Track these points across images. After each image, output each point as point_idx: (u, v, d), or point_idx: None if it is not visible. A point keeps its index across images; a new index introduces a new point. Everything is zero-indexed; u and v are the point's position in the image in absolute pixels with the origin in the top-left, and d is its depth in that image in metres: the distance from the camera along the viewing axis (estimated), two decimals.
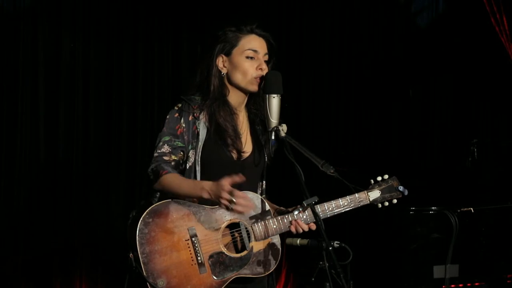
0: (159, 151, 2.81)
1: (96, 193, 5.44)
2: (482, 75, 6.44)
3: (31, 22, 5.27)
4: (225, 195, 2.62)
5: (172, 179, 2.75)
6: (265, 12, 6.03)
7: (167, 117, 2.88)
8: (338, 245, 2.59)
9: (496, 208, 4.49)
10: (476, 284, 4.39)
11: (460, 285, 4.34)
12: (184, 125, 2.83)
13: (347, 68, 6.39)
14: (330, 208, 2.88)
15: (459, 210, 4.32)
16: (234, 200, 2.62)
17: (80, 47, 5.40)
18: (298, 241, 2.74)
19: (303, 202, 2.66)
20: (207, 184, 2.69)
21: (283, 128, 2.74)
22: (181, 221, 2.74)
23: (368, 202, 2.96)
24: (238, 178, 2.66)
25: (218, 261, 2.77)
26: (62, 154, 5.35)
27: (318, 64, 6.30)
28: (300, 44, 6.24)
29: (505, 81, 6.26)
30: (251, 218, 2.83)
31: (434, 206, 4.35)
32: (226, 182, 2.63)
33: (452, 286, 4.30)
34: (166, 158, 2.80)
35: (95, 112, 5.45)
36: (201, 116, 2.84)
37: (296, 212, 2.85)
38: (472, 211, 4.36)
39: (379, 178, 2.99)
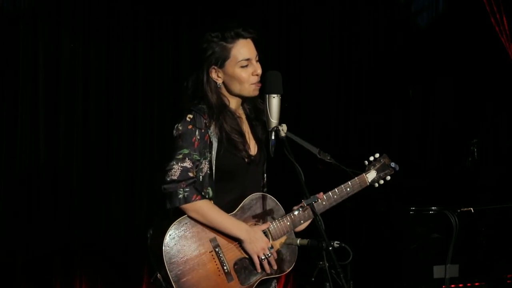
0: (182, 164, 2.74)
1: (96, 193, 5.44)
2: (482, 75, 6.44)
3: (31, 22, 5.27)
4: (262, 253, 2.77)
5: (209, 208, 2.76)
6: (265, 12, 6.03)
7: (180, 128, 2.78)
8: (338, 245, 2.59)
9: (496, 208, 4.49)
10: (476, 284, 4.40)
11: (460, 285, 4.34)
12: (198, 137, 2.78)
13: (347, 68, 6.39)
14: (335, 196, 2.92)
15: (459, 210, 4.32)
16: (267, 258, 2.78)
17: (80, 47, 5.40)
18: (298, 241, 2.74)
19: (303, 202, 2.67)
20: (252, 230, 2.78)
21: (283, 128, 2.73)
22: (202, 234, 2.76)
23: (368, 184, 3.00)
24: (268, 225, 2.85)
25: (243, 267, 2.79)
26: (62, 154, 5.35)
27: (318, 64, 6.30)
28: (300, 44, 6.23)
29: (505, 81, 6.26)
30: (265, 219, 2.85)
31: (434, 206, 4.35)
32: (268, 242, 2.80)
33: (452, 286, 4.30)
34: (191, 174, 2.76)
35: (95, 112, 5.45)
36: (211, 126, 2.81)
37: (296, 212, 2.86)
38: (472, 211, 4.36)
39: (371, 158, 3.03)
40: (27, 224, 5.23)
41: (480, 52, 6.35)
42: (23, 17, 5.24)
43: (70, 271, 5.33)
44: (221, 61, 2.82)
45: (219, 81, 2.85)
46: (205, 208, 2.74)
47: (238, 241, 2.79)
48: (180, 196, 2.72)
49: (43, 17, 5.30)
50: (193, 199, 2.73)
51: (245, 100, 2.94)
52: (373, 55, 6.42)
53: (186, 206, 2.73)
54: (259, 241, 2.77)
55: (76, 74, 5.40)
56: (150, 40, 5.62)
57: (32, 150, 5.28)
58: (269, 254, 2.78)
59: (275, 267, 2.82)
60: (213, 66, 2.83)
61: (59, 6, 5.34)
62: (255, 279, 2.81)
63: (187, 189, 2.73)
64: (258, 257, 2.78)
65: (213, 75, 2.85)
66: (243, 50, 2.82)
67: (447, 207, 4.32)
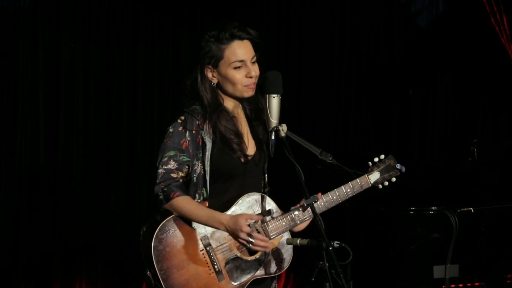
0: (166, 167, 2.76)
1: (96, 193, 5.44)
2: (482, 75, 6.44)
3: (31, 22, 5.27)
4: (244, 236, 2.69)
5: (185, 204, 2.74)
6: (264, 12, 6.03)
7: (171, 130, 2.80)
8: (338, 245, 2.59)
9: (496, 208, 4.49)
10: (476, 284, 4.39)
11: (460, 285, 4.34)
12: (189, 138, 2.78)
13: (347, 68, 6.39)
14: (335, 197, 2.90)
15: (459, 210, 4.31)
16: (252, 241, 2.69)
17: (80, 47, 5.40)
18: (298, 241, 2.74)
19: (304, 202, 2.67)
20: (225, 219, 2.73)
21: (283, 128, 2.73)
22: (193, 232, 2.76)
23: (370, 185, 2.98)
24: (256, 217, 2.76)
25: (235, 266, 2.79)
26: (62, 154, 5.35)
27: (318, 64, 6.30)
28: (300, 44, 6.24)
29: (505, 81, 6.26)
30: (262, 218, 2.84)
31: (434, 206, 4.35)
32: (244, 222, 2.69)
33: (452, 286, 4.29)
34: (173, 175, 2.76)
35: (95, 112, 5.45)
36: (205, 127, 2.80)
37: (296, 212, 2.86)
38: (472, 211, 4.35)
39: (376, 159, 3.00)
40: (27, 224, 5.23)
41: (480, 52, 6.35)
42: (23, 16, 5.24)
43: (70, 271, 5.34)
44: (215, 61, 2.80)
45: (214, 81, 2.84)
46: (182, 203, 2.73)
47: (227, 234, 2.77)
48: (161, 197, 2.75)
49: (43, 17, 5.30)
50: (171, 196, 2.73)
51: (244, 101, 2.93)
52: (373, 55, 6.42)
53: (167, 206, 2.75)
54: (238, 224, 2.69)
55: (76, 74, 5.40)
56: (150, 40, 5.62)
57: (32, 150, 5.28)
58: (249, 240, 2.69)
59: (264, 242, 2.72)
60: (208, 66, 2.82)
61: (59, 6, 5.34)
62: (247, 278, 2.80)
63: (165, 189, 2.74)
64: (244, 239, 2.70)
65: (209, 74, 2.84)
66: (237, 51, 2.80)
67: (447, 207, 4.31)
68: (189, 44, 5.67)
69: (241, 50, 2.80)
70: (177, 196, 2.73)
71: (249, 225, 2.74)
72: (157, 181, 2.76)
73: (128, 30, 5.54)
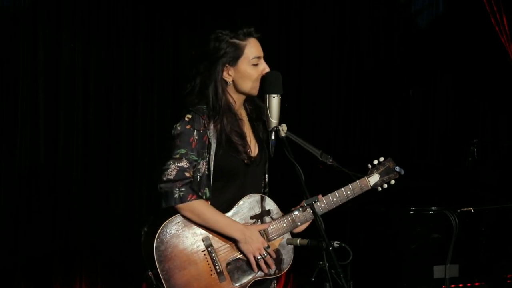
0: (179, 164, 2.73)
1: (96, 193, 5.43)
2: (482, 75, 6.44)
3: (31, 22, 5.27)
4: (258, 253, 2.78)
5: (204, 208, 2.74)
6: (264, 12, 6.03)
7: (178, 128, 2.76)
8: (338, 245, 2.59)
9: (496, 208, 4.49)
10: (476, 284, 4.39)
11: (460, 285, 4.34)
12: (196, 137, 2.76)
13: (347, 68, 6.39)
14: (335, 199, 2.92)
15: (459, 210, 4.31)
16: (265, 255, 2.79)
17: (80, 47, 5.40)
18: (298, 241, 2.74)
19: (304, 202, 2.67)
20: (248, 231, 2.77)
21: (283, 128, 2.73)
22: (194, 233, 2.76)
23: (369, 187, 3.00)
24: (264, 226, 2.84)
25: (236, 267, 2.79)
26: (62, 154, 5.34)
27: (318, 64, 6.30)
28: (300, 44, 6.24)
29: (505, 81, 6.26)
30: (263, 219, 2.85)
31: (434, 206, 4.35)
32: (265, 241, 2.80)
33: (452, 286, 4.30)
34: (187, 174, 2.74)
35: (95, 112, 5.45)
36: (211, 126, 2.79)
37: (296, 212, 2.86)
38: (472, 211, 4.36)
39: (375, 162, 3.03)
40: (27, 224, 5.23)
41: (480, 52, 6.35)
42: (23, 16, 5.24)
43: (70, 271, 5.33)
44: (234, 59, 2.80)
45: (229, 80, 2.83)
46: (200, 208, 2.73)
47: (233, 241, 2.78)
48: (176, 195, 2.71)
49: (43, 17, 5.29)
50: (188, 198, 2.71)
51: (246, 99, 2.93)
52: (373, 55, 6.42)
53: (181, 206, 2.72)
54: (255, 241, 2.77)
55: (76, 74, 5.39)
56: (150, 40, 5.62)
57: (32, 150, 5.28)
58: (265, 254, 2.79)
59: (272, 267, 2.82)
60: (226, 65, 2.81)
61: (59, 6, 5.34)
62: (248, 279, 2.80)
63: (182, 189, 2.71)
64: (254, 257, 2.78)
65: (224, 73, 2.82)
66: (254, 48, 2.83)
67: (447, 207, 4.32)
68: (189, 44, 5.66)
69: (257, 47, 2.85)
70: (195, 199, 2.72)
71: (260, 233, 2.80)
72: (171, 177, 2.71)
73: (128, 30, 5.54)
